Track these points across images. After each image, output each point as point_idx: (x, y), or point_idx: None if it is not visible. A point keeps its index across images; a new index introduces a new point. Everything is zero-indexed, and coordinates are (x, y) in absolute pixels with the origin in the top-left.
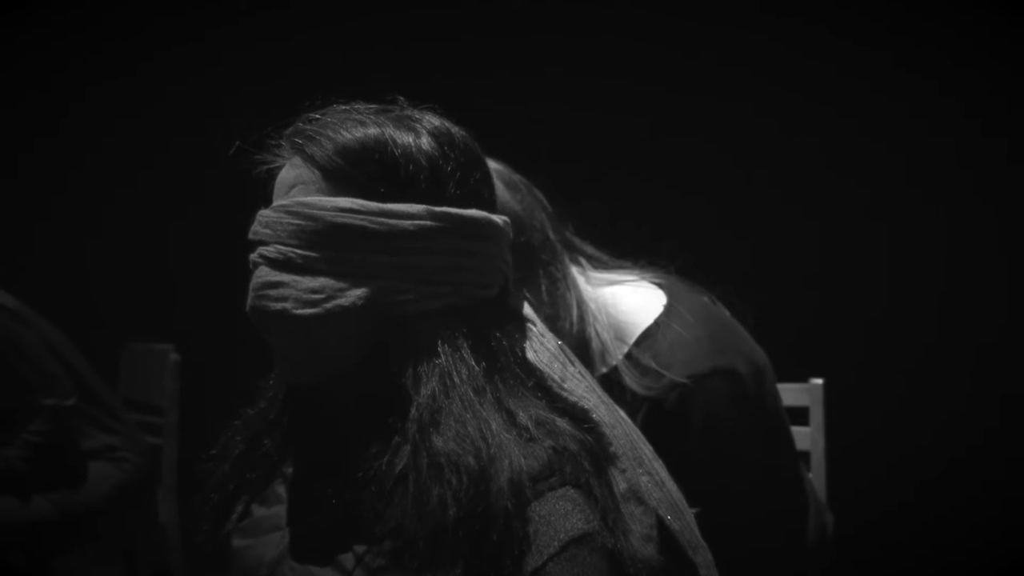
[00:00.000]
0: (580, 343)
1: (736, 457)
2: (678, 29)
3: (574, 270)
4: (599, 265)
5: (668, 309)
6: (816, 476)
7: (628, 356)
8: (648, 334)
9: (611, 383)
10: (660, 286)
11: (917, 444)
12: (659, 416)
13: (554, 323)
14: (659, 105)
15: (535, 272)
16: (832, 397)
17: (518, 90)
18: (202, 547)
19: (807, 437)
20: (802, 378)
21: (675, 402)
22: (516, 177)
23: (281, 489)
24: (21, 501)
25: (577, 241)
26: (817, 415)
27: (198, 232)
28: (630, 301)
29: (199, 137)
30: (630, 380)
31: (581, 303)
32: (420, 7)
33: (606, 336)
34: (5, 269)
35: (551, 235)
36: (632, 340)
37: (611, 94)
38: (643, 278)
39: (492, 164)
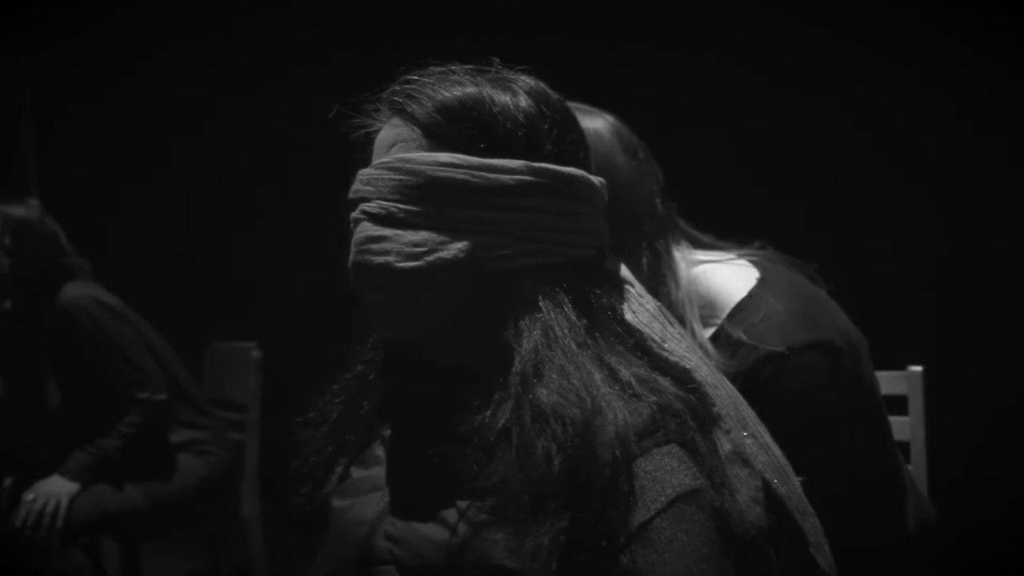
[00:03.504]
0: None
1: (830, 436)
2: (779, 25)
3: (675, 248)
4: (699, 246)
5: (761, 282)
6: (916, 467)
7: (719, 331)
8: (740, 308)
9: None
10: (754, 263)
11: (1022, 433)
12: (753, 390)
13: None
14: (750, 97)
15: (638, 243)
16: (932, 385)
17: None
18: (302, 508)
19: (906, 427)
20: (900, 366)
21: (769, 376)
22: (636, 142)
23: (379, 450)
24: (116, 489)
25: (682, 221)
26: (917, 404)
27: (279, 231)
28: (722, 277)
29: (280, 137)
30: (722, 356)
31: (679, 280)
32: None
33: (698, 315)
34: (93, 265)
35: (659, 208)
36: (724, 315)
37: (708, 83)
38: (738, 256)
39: (616, 125)
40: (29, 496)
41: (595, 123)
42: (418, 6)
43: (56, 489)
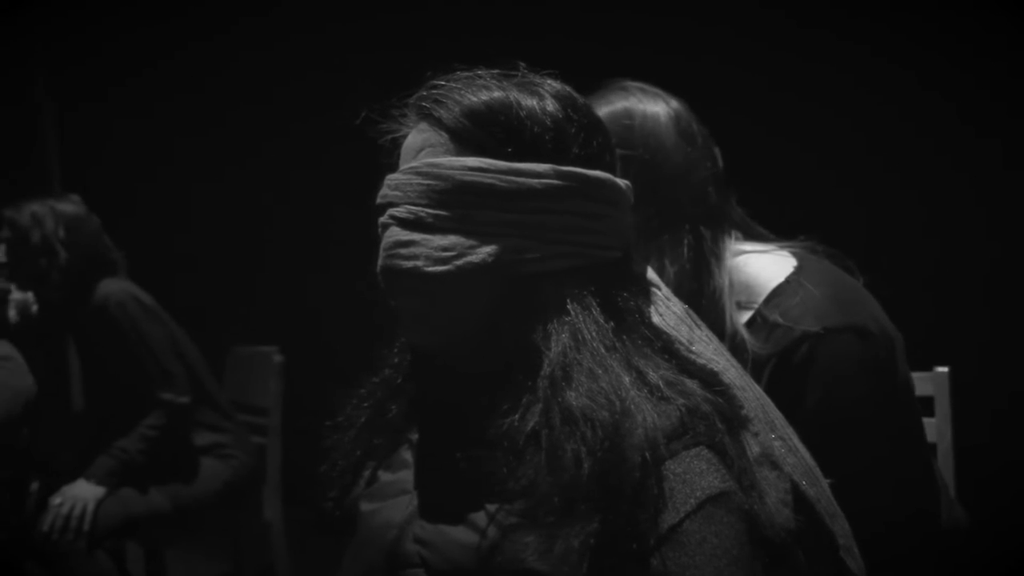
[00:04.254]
0: (712, 304)
1: (862, 421)
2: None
3: (723, 236)
4: (751, 236)
5: (799, 269)
6: (944, 469)
7: (756, 315)
8: (777, 292)
9: (740, 348)
10: (793, 253)
11: None
12: (786, 371)
13: (691, 282)
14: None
15: (681, 226)
16: (958, 386)
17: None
18: (330, 512)
19: (932, 428)
20: (926, 367)
21: (803, 356)
22: (696, 129)
23: (407, 454)
24: (141, 493)
25: (737, 210)
26: (943, 405)
27: (300, 235)
28: (760, 264)
29: (304, 139)
30: (757, 340)
31: (721, 267)
32: None
33: (735, 301)
34: (127, 261)
35: (710, 195)
36: (760, 299)
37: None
38: (779, 247)
39: (677, 109)
40: (56, 500)
41: (656, 106)
42: (439, 7)
43: (82, 493)
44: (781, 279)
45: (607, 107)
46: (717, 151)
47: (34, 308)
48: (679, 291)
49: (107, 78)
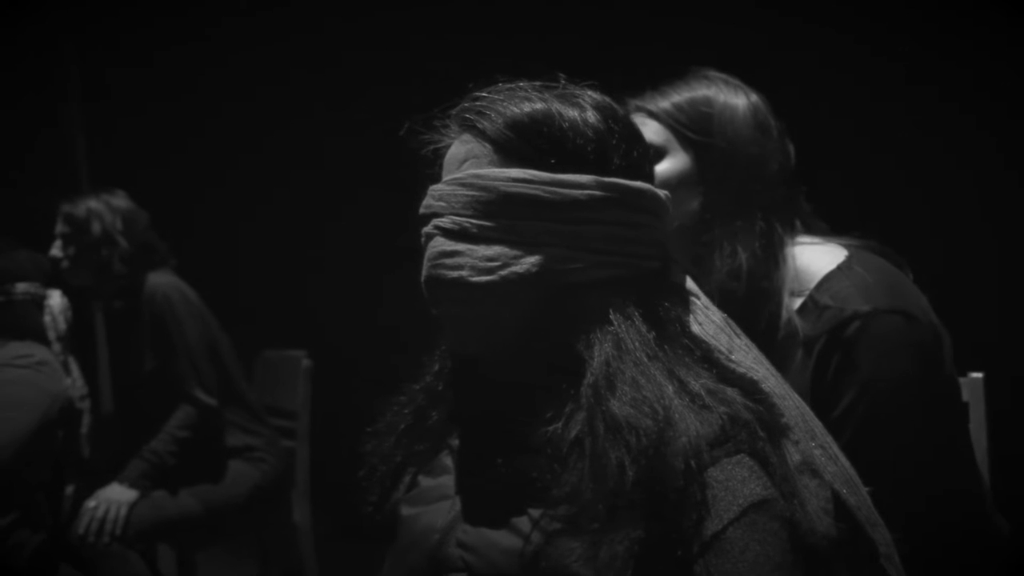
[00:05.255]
0: (774, 292)
1: (907, 405)
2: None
3: (785, 229)
4: (812, 231)
5: (850, 258)
6: None
7: (807, 300)
8: (828, 278)
9: (793, 334)
10: (844, 246)
11: None
12: (835, 348)
13: (760, 267)
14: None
15: (753, 216)
16: (993, 392)
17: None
18: (370, 515)
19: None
20: (960, 372)
21: (852, 333)
22: (772, 123)
23: (448, 460)
24: (172, 496)
25: (804, 205)
26: (978, 411)
27: (330, 241)
28: (813, 254)
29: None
30: (807, 323)
31: (784, 259)
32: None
33: (788, 289)
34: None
35: (782, 187)
36: (812, 285)
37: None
38: (832, 240)
39: (755, 103)
40: (91, 503)
41: (737, 98)
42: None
43: (117, 496)
44: (833, 267)
45: (688, 93)
46: (791, 146)
47: (69, 313)
48: (748, 275)
49: (137, 76)
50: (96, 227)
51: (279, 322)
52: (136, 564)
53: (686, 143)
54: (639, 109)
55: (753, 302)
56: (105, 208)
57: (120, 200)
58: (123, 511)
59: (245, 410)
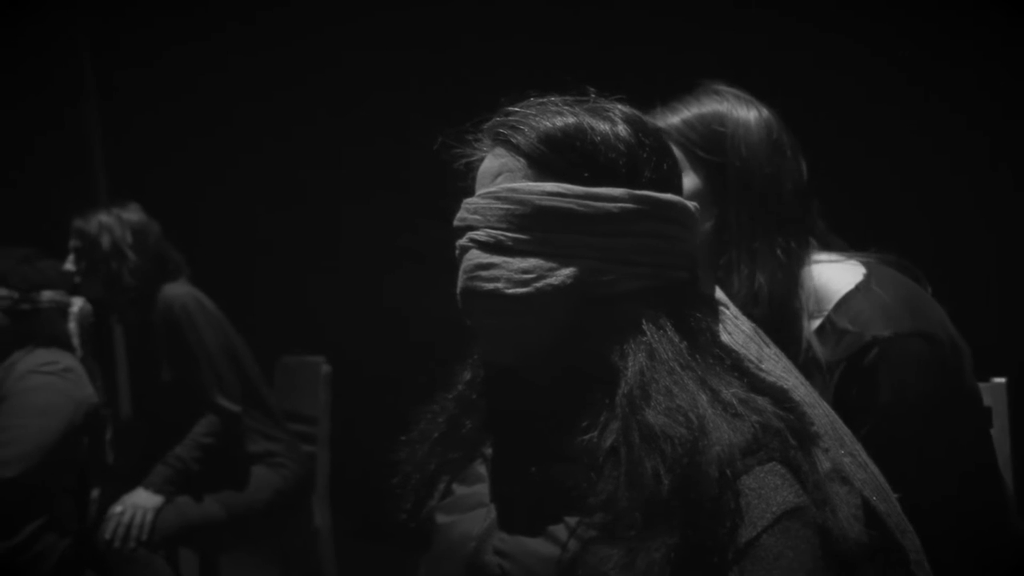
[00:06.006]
0: (792, 321)
1: (931, 426)
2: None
3: (801, 246)
4: (829, 248)
5: (868, 277)
6: None
7: (825, 322)
8: (847, 299)
9: (813, 359)
10: (863, 263)
11: None
12: (855, 375)
13: (781, 288)
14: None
15: (772, 235)
16: (1017, 397)
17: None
18: (405, 524)
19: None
20: (983, 378)
21: (873, 359)
22: (787, 140)
23: (481, 468)
24: (196, 501)
25: (819, 222)
26: (1001, 416)
27: (348, 246)
28: (831, 273)
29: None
30: (826, 347)
31: (804, 281)
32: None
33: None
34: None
35: (795, 207)
36: (830, 307)
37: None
38: (850, 257)
39: (768, 119)
40: (117, 508)
41: (749, 114)
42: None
43: (142, 501)
44: (851, 287)
45: (698, 109)
46: (804, 162)
47: (92, 320)
48: (770, 298)
49: (153, 78)
50: (106, 241)
51: (297, 328)
52: (162, 569)
53: (698, 162)
54: None
55: (773, 325)
56: (115, 222)
57: (132, 213)
58: (149, 516)
59: (266, 416)
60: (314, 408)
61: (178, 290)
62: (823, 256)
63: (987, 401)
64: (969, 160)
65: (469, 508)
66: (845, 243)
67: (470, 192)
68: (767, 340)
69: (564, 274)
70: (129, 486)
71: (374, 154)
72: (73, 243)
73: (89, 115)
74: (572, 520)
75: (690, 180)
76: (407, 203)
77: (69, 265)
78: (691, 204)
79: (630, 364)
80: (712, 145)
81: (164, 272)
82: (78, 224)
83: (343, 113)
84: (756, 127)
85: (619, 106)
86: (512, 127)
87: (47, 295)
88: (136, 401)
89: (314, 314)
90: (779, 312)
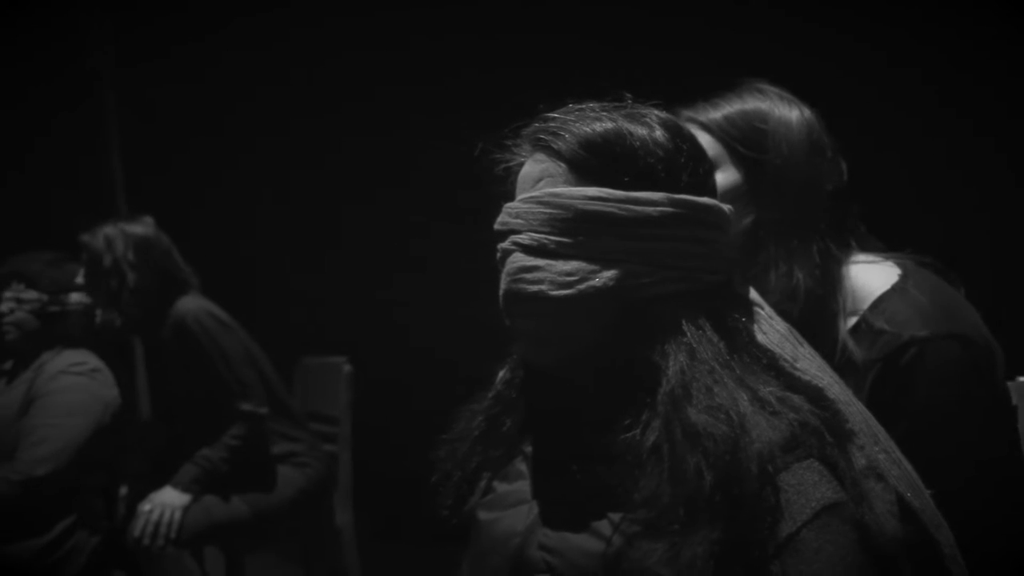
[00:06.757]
0: (829, 321)
1: (965, 428)
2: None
3: (838, 247)
4: (866, 249)
5: (903, 278)
6: None
7: (861, 321)
8: (882, 299)
9: (848, 359)
10: (898, 264)
11: None
12: (891, 375)
13: (818, 287)
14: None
15: (811, 235)
16: None
17: None
18: (447, 520)
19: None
20: (1009, 376)
21: (909, 360)
22: (827, 141)
23: (522, 466)
24: (223, 500)
25: (858, 223)
26: None
27: (368, 246)
28: (867, 274)
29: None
30: (862, 346)
31: (842, 281)
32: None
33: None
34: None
35: (836, 206)
36: (866, 306)
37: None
38: (886, 258)
39: (809, 120)
40: (146, 507)
41: (791, 113)
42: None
43: (170, 500)
44: (887, 287)
45: (740, 105)
46: (844, 165)
47: (118, 322)
48: (807, 296)
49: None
50: (107, 259)
51: (320, 329)
52: (190, 567)
53: (738, 158)
54: (690, 120)
55: (809, 324)
56: (120, 237)
57: (138, 227)
58: (177, 515)
59: (287, 418)
60: (335, 408)
61: (189, 305)
62: (860, 257)
63: (1014, 400)
64: (995, 164)
65: (511, 505)
66: (883, 245)
67: (509, 197)
68: (801, 340)
69: (606, 277)
70: (157, 485)
71: (391, 153)
72: (83, 256)
73: (109, 127)
74: (615, 516)
75: (729, 175)
76: (425, 203)
77: (79, 279)
78: (726, 207)
79: (671, 364)
80: (753, 142)
81: (172, 288)
82: (85, 238)
83: (363, 112)
84: (798, 126)
85: (655, 111)
86: (552, 133)
87: (75, 297)
88: (155, 409)
89: (332, 315)
90: (816, 310)
